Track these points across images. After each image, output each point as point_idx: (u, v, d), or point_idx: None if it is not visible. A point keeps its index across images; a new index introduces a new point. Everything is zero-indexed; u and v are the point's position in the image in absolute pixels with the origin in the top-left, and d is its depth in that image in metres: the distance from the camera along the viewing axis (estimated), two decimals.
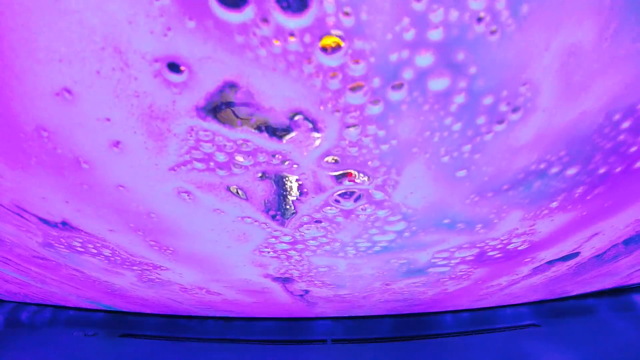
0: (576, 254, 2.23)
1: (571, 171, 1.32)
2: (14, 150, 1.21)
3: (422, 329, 3.24)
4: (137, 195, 1.38)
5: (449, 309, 3.27)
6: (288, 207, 1.42)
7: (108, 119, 1.05)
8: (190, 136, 1.10)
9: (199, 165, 1.22)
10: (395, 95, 0.90)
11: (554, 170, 1.28)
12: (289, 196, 1.37)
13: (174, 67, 0.93)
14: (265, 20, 0.79)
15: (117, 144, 1.13)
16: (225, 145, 1.13)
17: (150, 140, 1.11)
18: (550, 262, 2.29)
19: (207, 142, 1.12)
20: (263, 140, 1.11)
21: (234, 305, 2.95)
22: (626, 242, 2.16)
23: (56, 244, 1.95)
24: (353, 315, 3.31)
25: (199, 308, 3.09)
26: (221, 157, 1.17)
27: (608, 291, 3.15)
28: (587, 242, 2.07)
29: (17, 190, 1.44)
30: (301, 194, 1.33)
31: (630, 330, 3.02)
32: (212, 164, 1.21)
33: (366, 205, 1.43)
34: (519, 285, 2.73)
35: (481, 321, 3.25)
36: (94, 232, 1.75)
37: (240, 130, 1.07)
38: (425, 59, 0.83)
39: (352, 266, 2.12)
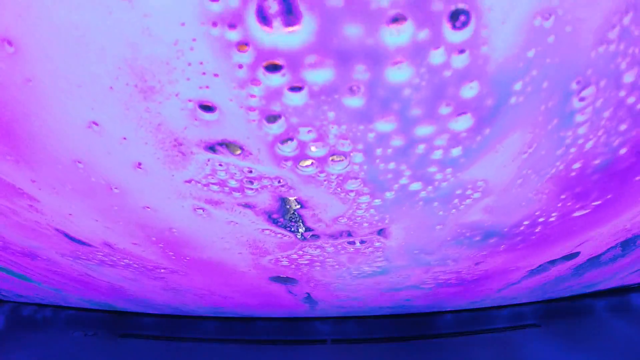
0: (576, 254, 2.23)
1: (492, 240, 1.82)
2: (52, 179, 1.33)
3: (422, 329, 3.25)
4: (160, 213, 1.50)
5: (449, 309, 3.27)
6: (289, 207, 1.47)
7: (124, 138, 1.09)
8: (207, 165, 1.18)
9: (215, 187, 1.31)
10: (388, 195, 1.34)
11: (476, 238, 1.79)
12: (291, 203, 1.47)
13: (207, 107, 0.95)
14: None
15: (139, 164, 1.20)
16: (235, 174, 1.21)
17: (160, 151, 1.14)
18: (552, 262, 2.30)
19: (221, 170, 1.21)
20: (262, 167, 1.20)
21: (237, 306, 2.95)
22: (623, 245, 2.16)
23: (83, 258, 2.10)
24: (353, 315, 3.31)
25: (201, 308, 3.10)
26: (233, 183, 1.27)
27: (607, 291, 3.15)
28: (579, 245, 2.08)
29: (53, 212, 1.58)
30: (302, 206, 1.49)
31: (629, 330, 3.03)
32: (227, 188, 1.31)
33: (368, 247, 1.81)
34: (518, 285, 2.73)
35: (481, 321, 3.25)
36: (119, 246, 1.88)
37: (242, 158, 1.15)
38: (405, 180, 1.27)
39: (353, 280, 2.31)
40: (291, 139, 1.01)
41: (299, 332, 3.30)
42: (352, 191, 1.29)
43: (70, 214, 1.58)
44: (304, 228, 1.61)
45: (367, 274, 2.21)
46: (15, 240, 1.96)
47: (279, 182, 1.25)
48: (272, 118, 0.94)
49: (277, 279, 2.34)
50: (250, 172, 1.19)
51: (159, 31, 0.78)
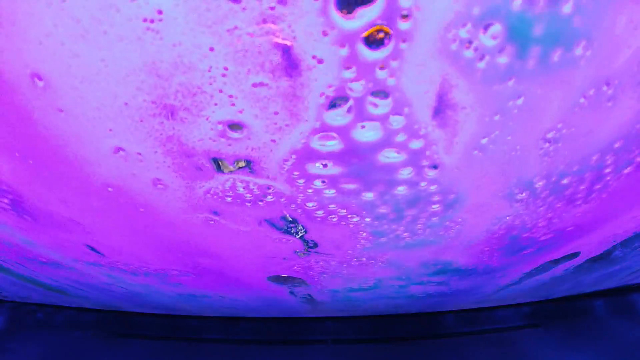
0: (577, 254, 2.24)
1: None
2: (85, 202, 1.49)
3: (422, 329, 3.25)
4: (179, 227, 1.65)
5: (450, 309, 3.28)
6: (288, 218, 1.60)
7: (139, 153, 1.15)
8: (228, 181, 1.29)
9: (228, 199, 1.40)
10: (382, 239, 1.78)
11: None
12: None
13: (235, 127, 1.04)
14: None
15: (158, 181, 1.28)
16: (254, 189, 1.35)
17: (169, 159, 1.19)
18: (554, 262, 2.30)
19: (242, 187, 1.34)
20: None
21: (244, 308, 2.96)
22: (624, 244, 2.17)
23: (105, 267, 2.27)
24: (353, 315, 3.32)
25: (201, 309, 3.10)
26: (249, 196, 1.41)
27: (608, 291, 3.15)
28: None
29: (87, 230, 1.75)
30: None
31: (629, 330, 3.03)
32: (238, 200, 1.43)
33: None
34: (518, 286, 2.74)
35: (481, 321, 3.26)
36: (143, 256, 2.05)
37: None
38: None
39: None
40: (321, 209, 1.47)
41: (299, 332, 3.30)
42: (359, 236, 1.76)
43: (99, 230, 1.74)
44: (304, 231, 1.68)
45: (368, 286, 2.47)
46: (42, 252, 2.08)
47: (294, 205, 1.45)
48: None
49: (280, 281, 2.37)
50: (269, 188, 1.33)
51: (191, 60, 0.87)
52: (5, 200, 1.51)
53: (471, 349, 3.04)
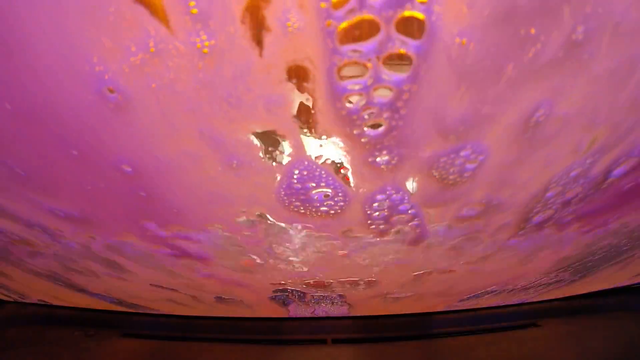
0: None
1: None
2: None
3: (422, 329, 3.25)
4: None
5: (449, 309, 3.27)
6: None
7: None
8: None
9: None
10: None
11: None
12: None
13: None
14: None
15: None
16: None
17: None
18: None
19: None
20: None
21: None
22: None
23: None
24: (353, 315, 3.31)
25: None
26: None
27: (609, 291, 3.15)
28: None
29: None
30: None
31: (629, 331, 3.03)
32: None
33: None
34: (519, 285, 2.73)
35: (481, 321, 3.25)
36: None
37: None
38: None
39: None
40: None
41: (298, 332, 3.30)
42: None
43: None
44: None
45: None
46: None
47: None
48: None
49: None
50: None
51: None
52: None
53: (471, 349, 3.04)
